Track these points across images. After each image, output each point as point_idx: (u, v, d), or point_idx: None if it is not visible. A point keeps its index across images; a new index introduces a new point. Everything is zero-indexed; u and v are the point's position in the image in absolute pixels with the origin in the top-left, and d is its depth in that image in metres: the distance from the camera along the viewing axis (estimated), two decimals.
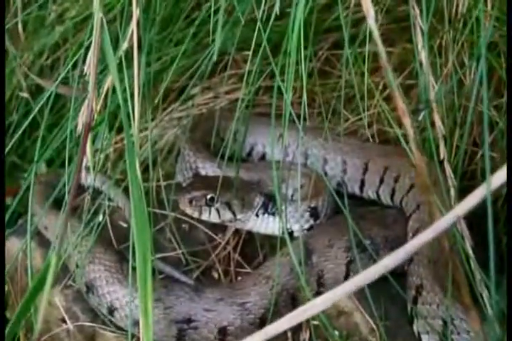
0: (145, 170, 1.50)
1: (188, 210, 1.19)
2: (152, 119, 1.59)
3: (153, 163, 1.53)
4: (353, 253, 1.18)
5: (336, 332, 1.14)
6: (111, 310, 1.15)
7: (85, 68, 1.09)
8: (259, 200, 1.22)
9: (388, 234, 1.25)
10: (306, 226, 1.25)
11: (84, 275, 1.17)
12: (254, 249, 1.35)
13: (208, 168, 1.38)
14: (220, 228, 1.35)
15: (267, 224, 1.23)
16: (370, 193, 1.43)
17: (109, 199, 1.37)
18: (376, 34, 0.79)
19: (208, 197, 1.18)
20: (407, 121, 0.67)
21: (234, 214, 1.20)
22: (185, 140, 1.42)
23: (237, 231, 1.37)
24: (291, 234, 1.24)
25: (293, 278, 1.15)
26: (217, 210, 1.18)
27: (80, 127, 1.19)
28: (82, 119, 1.16)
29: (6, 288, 1.37)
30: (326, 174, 1.46)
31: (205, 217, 1.19)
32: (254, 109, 1.65)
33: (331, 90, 1.64)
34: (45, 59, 1.78)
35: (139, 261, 0.88)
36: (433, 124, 1.20)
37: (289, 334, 1.16)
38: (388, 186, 1.40)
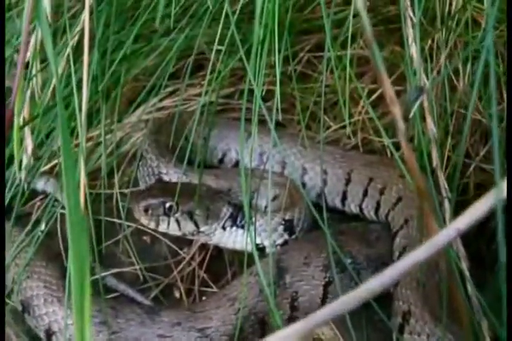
0: (109, 175, 1.38)
1: (144, 220, 1.04)
2: (119, 121, 1.48)
3: (117, 168, 1.42)
4: (331, 273, 1.04)
5: None
6: (48, 334, 0.99)
7: None
8: (226, 211, 1.07)
9: (371, 252, 1.12)
10: (280, 241, 1.11)
11: (21, 292, 1.01)
12: (223, 266, 1.22)
13: (173, 174, 1.24)
14: (185, 241, 1.22)
15: (235, 238, 1.08)
16: (352, 207, 1.31)
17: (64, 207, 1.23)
18: (364, 14, 0.66)
19: (167, 205, 1.02)
20: (396, 110, 0.55)
21: (197, 225, 1.04)
22: (148, 143, 1.28)
23: (204, 246, 1.24)
24: (262, 249, 1.09)
25: (262, 301, 1.00)
26: (177, 221, 1.03)
27: None
28: None
29: None
30: (304, 185, 1.34)
31: (162, 228, 1.04)
32: (229, 114, 1.55)
33: (312, 95, 1.54)
34: None
35: (73, 276, 0.73)
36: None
37: None
38: (373, 199, 1.29)
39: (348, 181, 1.32)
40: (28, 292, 1.01)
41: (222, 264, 1.22)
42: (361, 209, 1.30)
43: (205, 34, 1.46)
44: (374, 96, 1.54)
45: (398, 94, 1.52)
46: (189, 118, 1.40)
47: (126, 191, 1.33)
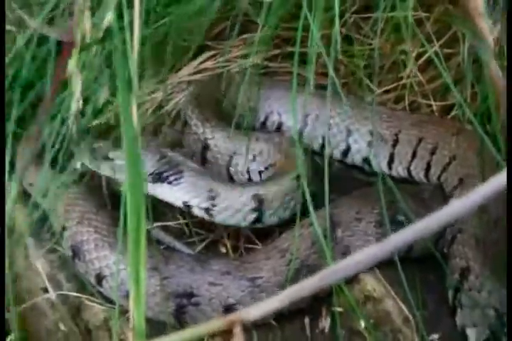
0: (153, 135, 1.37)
1: (86, 162, 1.05)
2: (161, 81, 1.46)
3: (159, 128, 1.41)
4: (384, 229, 1.01)
5: (363, 321, 0.97)
6: (99, 279, 0.98)
7: None
8: (152, 165, 1.04)
9: (424, 210, 1.09)
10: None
11: (71, 237, 1.01)
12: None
13: (219, 139, 1.21)
14: None
15: (161, 192, 1.05)
16: (400, 170, 1.27)
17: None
18: None
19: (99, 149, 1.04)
20: (482, 24, 0.50)
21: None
22: (191, 109, 1.25)
23: None
24: (190, 207, 1.06)
25: (314, 253, 0.98)
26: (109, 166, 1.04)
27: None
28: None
29: None
30: (348, 147, 1.31)
31: (102, 170, 1.05)
32: (271, 77, 1.52)
33: (358, 58, 1.49)
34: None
35: (131, 218, 0.72)
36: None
37: (307, 320, 0.99)
38: (422, 160, 1.24)
39: (395, 142, 1.28)
40: (79, 237, 1.00)
41: None
42: (409, 172, 1.26)
43: None
44: (422, 60, 1.50)
45: (450, 57, 1.48)
46: (231, 80, 1.37)
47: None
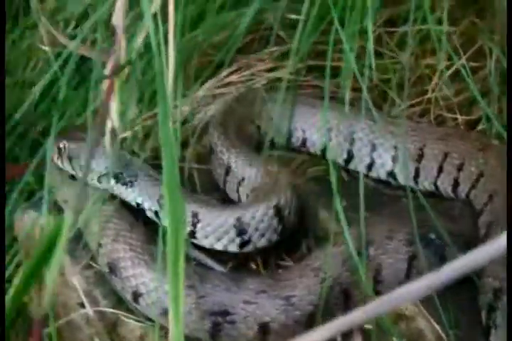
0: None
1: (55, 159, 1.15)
2: (183, 96, 1.48)
3: (186, 142, 1.42)
4: (416, 247, 1.02)
5: (395, 339, 0.97)
6: (136, 296, 1.00)
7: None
8: (100, 166, 1.14)
9: (455, 228, 1.09)
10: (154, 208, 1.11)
11: (107, 254, 1.03)
12: (297, 240, 1.21)
13: (241, 166, 1.22)
14: None
15: (117, 192, 1.14)
16: (426, 184, 1.27)
17: None
18: None
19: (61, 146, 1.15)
20: None
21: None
22: (217, 136, 1.27)
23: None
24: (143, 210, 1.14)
25: (346, 272, 0.99)
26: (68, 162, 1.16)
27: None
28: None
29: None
30: (373, 161, 1.31)
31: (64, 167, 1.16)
32: (294, 91, 1.52)
33: (381, 72, 1.50)
34: (73, 28, 1.67)
35: (170, 238, 0.73)
36: None
37: (339, 339, 1.00)
38: (449, 176, 1.24)
39: (420, 157, 1.27)
40: (115, 254, 1.02)
41: (296, 238, 1.22)
42: (437, 187, 1.26)
43: (273, 8, 1.44)
44: (448, 73, 1.50)
45: (475, 70, 1.48)
46: (256, 99, 1.38)
47: (195, 166, 1.33)
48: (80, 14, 1.63)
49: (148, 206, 1.11)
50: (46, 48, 1.41)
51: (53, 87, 1.47)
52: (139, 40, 1.05)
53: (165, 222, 1.05)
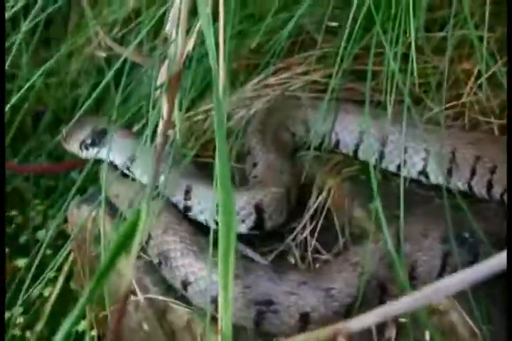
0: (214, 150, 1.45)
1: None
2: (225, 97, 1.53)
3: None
4: (450, 245, 1.06)
5: (428, 332, 1.02)
6: (185, 284, 1.06)
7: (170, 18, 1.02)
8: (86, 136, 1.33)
9: (489, 227, 1.13)
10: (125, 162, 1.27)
11: (157, 245, 1.10)
12: (333, 236, 1.26)
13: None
14: (296, 213, 1.28)
15: (96, 154, 1.31)
16: (460, 185, 1.31)
17: None
18: None
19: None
20: None
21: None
22: (256, 141, 1.34)
23: (313, 217, 1.29)
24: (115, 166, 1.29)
25: (383, 267, 1.04)
26: None
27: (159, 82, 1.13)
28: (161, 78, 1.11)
29: (72, 257, 1.31)
30: (404, 163, 1.35)
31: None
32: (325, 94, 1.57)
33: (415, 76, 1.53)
34: (117, 32, 1.74)
35: (222, 229, 0.79)
36: None
37: (374, 330, 1.05)
38: (483, 178, 1.27)
39: (452, 160, 1.31)
40: (165, 246, 1.09)
41: (332, 234, 1.26)
42: (470, 187, 1.29)
43: (311, 14, 1.49)
44: (483, 78, 1.53)
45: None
46: (290, 107, 1.44)
47: (233, 164, 1.39)
48: (123, 18, 1.71)
49: (121, 162, 1.26)
50: (103, 54, 1.49)
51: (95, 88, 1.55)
52: (189, 47, 1.12)
53: (137, 173, 1.24)
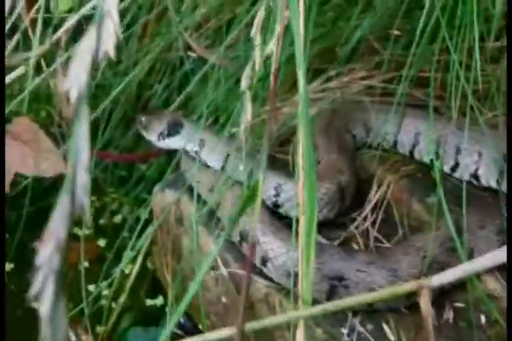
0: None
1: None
2: (283, 100, 1.65)
3: (288, 139, 1.60)
4: (504, 236, 1.17)
5: (483, 316, 1.12)
6: (264, 260, 1.19)
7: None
8: (163, 127, 1.43)
9: None
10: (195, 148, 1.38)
11: (238, 225, 1.23)
12: (393, 227, 1.36)
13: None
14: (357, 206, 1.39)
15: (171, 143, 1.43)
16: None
17: None
18: None
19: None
20: None
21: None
22: (322, 140, 1.46)
23: (373, 209, 1.40)
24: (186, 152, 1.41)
25: (443, 252, 1.15)
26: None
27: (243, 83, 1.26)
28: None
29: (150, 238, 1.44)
30: (457, 164, 1.45)
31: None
32: (386, 99, 1.67)
33: (471, 84, 1.62)
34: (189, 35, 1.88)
35: (306, 212, 0.91)
36: None
37: (433, 311, 1.16)
38: None
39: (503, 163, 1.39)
40: (246, 226, 1.22)
41: (392, 226, 1.36)
42: None
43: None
44: None
45: None
46: (351, 111, 1.55)
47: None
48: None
49: (190, 148, 1.39)
50: (193, 55, 1.62)
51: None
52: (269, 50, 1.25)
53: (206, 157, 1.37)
